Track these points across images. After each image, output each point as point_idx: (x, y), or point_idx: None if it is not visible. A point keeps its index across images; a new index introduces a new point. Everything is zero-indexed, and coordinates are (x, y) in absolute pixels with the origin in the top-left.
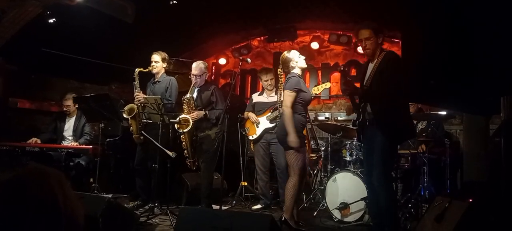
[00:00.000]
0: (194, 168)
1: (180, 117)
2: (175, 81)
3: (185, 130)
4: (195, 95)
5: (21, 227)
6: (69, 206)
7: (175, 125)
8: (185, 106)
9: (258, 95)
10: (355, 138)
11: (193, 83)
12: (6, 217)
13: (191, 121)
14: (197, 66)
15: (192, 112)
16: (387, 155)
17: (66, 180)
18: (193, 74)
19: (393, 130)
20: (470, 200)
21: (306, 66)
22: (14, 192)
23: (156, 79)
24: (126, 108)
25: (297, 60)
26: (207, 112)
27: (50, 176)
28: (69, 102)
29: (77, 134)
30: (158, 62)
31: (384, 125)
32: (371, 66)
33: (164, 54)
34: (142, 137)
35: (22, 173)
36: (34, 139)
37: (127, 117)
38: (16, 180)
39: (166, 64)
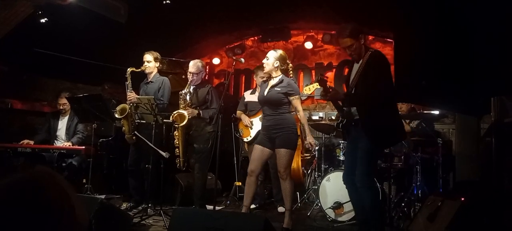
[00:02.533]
0: (184, 168)
1: (176, 111)
2: (168, 81)
3: (181, 124)
4: (191, 93)
5: (37, 229)
6: (79, 210)
7: (171, 118)
8: (181, 102)
9: (251, 93)
10: None
11: (189, 81)
12: (22, 218)
13: (186, 115)
14: (194, 65)
15: (188, 109)
16: (371, 156)
17: (71, 185)
18: (190, 72)
19: (379, 132)
20: (462, 199)
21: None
22: (31, 194)
23: (149, 80)
24: (118, 108)
25: None
26: (200, 111)
27: (59, 178)
28: (65, 100)
29: (70, 133)
30: (150, 62)
31: (370, 126)
32: (356, 66)
33: (156, 54)
34: (134, 137)
35: (34, 174)
36: (26, 141)
37: (119, 116)
38: (31, 181)
39: (158, 63)
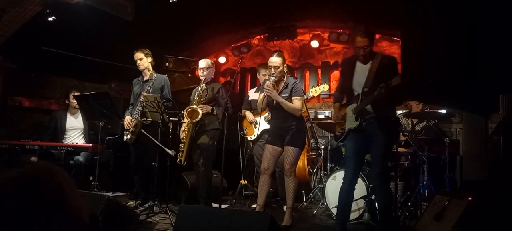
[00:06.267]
0: (184, 163)
1: (190, 107)
2: (167, 78)
3: (195, 120)
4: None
5: (34, 223)
6: (76, 203)
7: (185, 112)
8: (196, 98)
9: (255, 92)
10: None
11: (203, 79)
12: (19, 213)
13: (200, 112)
14: (204, 61)
15: (202, 106)
16: (388, 154)
17: (71, 178)
18: (201, 68)
19: (394, 129)
20: (470, 199)
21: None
22: (26, 188)
23: (146, 78)
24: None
25: None
26: (214, 108)
27: (58, 173)
28: None
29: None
30: (142, 59)
31: (386, 124)
32: (364, 67)
33: (146, 50)
34: (134, 137)
35: (32, 169)
36: None
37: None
38: (26, 176)
39: (150, 58)
